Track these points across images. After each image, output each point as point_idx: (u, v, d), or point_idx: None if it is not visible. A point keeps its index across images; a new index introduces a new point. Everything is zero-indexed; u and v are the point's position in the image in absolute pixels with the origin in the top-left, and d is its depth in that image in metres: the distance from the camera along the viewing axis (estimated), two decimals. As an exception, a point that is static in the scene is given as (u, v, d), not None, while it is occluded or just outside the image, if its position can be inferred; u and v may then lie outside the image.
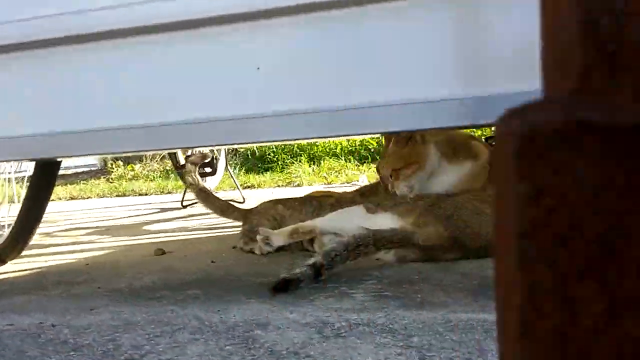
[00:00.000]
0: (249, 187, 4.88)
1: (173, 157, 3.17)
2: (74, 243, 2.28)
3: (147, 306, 1.21)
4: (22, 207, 1.69)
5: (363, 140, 6.18)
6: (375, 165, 1.83)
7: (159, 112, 1.07)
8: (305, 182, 4.87)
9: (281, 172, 5.64)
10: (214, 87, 1.05)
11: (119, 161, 6.25)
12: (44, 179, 1.69)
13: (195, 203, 3.55)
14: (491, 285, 1.12)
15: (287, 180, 5.01)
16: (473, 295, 1.11)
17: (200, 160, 2.16)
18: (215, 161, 3.12)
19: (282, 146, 6.23)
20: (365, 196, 1.78)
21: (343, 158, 5.81)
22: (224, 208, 2.02)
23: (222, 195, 4.17)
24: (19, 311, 1.24)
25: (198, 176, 2.07)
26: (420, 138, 1.54)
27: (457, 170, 1.54)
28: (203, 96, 1.06)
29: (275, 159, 6.09)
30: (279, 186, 4.81)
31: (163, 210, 3.51)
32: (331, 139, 5.16)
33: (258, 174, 5.73)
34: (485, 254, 1.44)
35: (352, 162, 5.67)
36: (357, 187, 2.03)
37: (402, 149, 1.57)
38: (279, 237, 1.66)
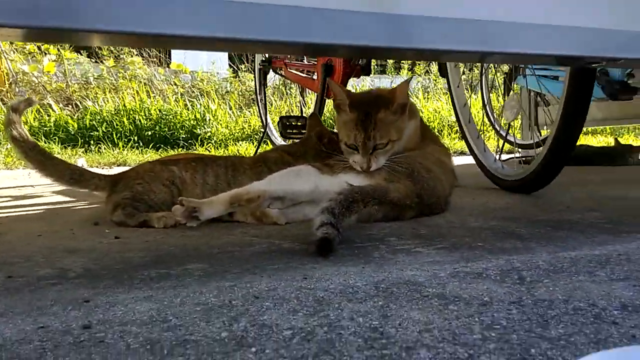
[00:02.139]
0: None
1: None
2: None
3: (192, 286, 0.80)
4: None
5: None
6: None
7: None
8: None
9: None
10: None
11: None
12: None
13: None
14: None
15: None
16: (540, 240, 1.10)
17: (25, 107, 1.51)
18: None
19: None
20: (295, 157, 1.56)
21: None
22: (76, 175, 1.47)
23: None
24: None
25: (24, 130, 1.45)
26: (409, 110, 1.43)
27: (407, 132, 1.50)
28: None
29: None
30: None
31: None
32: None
33: None
34: (431, 210, 1.45)
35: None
36: (276, 147, 1.75)
37: (397, 120, 1.42)
38: (213, 207, 1.31)
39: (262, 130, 3.72)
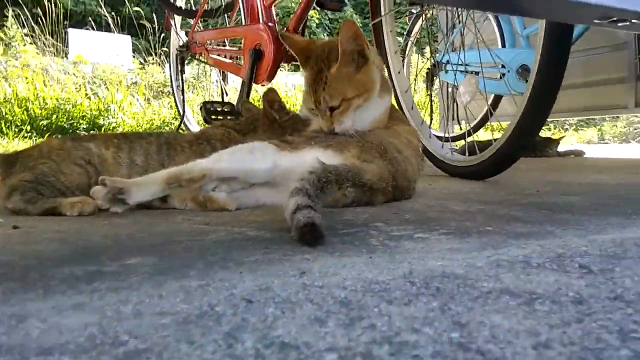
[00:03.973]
0: None
1: None
2: None
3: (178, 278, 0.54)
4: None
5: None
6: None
7: None
8: None
9: None
10: None
11: None
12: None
13: None
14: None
15: None
16: (551, 223, 0.94)
17: None
18: None
19: None
20: (243, 134, 1.30)
21: None
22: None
23: None
24: None
25: None
26: (373, 59, 1.21)
27: (382, 105, 1.28)
28: None
29: None
30: None
31: None
32: None
33: None
34: (402, 195, 1.26)
35: None
36: (220, 123, 1.47)
37: (355, 73, 1.20)
38: (145, 188, 1.04)
39: (179, 119, 3.40)
